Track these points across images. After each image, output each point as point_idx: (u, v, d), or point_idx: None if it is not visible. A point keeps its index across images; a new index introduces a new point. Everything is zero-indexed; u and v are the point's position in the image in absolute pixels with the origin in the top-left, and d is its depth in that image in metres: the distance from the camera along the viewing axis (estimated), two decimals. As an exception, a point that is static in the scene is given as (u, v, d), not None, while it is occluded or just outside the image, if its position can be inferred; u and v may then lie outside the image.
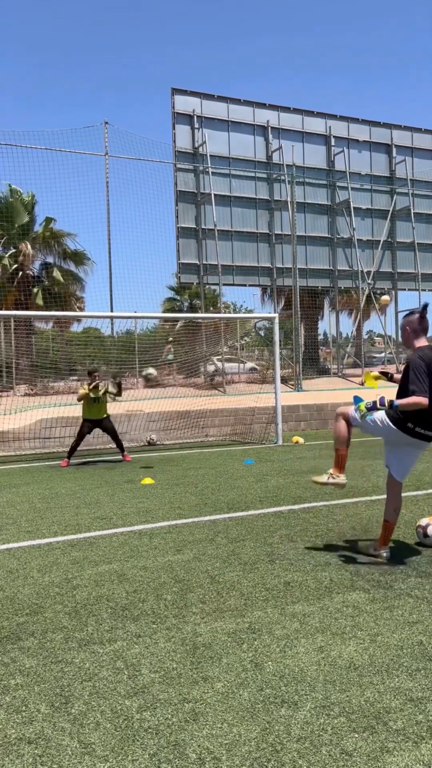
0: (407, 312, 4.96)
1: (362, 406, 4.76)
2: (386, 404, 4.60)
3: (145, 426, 15.79)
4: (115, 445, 11.97)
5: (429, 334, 4.85)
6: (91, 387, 11.46)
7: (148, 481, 9.21)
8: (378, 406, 4.65)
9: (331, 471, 5.01)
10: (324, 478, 5.00)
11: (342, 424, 5.00)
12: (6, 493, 8.72)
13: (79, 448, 11.96)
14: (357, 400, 4.95)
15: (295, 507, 6.97)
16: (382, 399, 4.64)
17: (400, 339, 5.67)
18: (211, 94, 22.39)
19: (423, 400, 4.42)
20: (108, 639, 3.56)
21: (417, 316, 4.72)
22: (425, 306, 4.79)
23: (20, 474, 10.76)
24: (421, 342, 4.72)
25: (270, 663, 3.18)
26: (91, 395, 11.49)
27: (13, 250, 24.90)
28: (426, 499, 7.19)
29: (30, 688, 3.02)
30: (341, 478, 4.98)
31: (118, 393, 11.78)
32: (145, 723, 2.67)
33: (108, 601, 4.16)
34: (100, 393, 11.56)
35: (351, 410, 4.90)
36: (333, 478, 4.96)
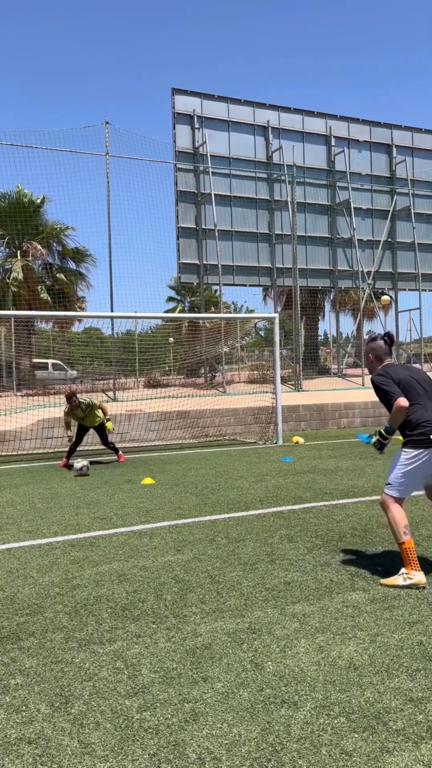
0: (368, 339, 4.87)
1: (373, 442, 4.64)
2: (385, 434, 4.50)
3: (146, 426, 15.80)
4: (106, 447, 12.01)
5: (391, 360, 4.76)
6: (68, 411, 11.53)
7: (148, 481, 9.21)
8: (383, 440, 4.55)
9: (403, 571, 4.30)
10: (398, 581, 4.26)
11: (395, 511, 4.38)
12: (6, 493, 8.72)
13: (80, 449, 11.97)
14: (361, 437, 4.87)
15: (295, 507, 6.97)
16: (380, 433, 4.56)
17: (364, 365, 5.27)
18: (211, 94, 22.39)
19: (402, 402, 4.31)
20: (108, 639, 3.56)
21: (380, 342, 4.67)
22: (387, 333, 4.77)
23: (20, 474, 10.76)
24: (384, 364, 4.66)
25: (270, 663, 3.18)
26: (78, 416, 11.54)
27: (19, 251, 24.95)
28: (425, 499, 7.18)
29: (30, 688, 3.02)
30: (419, 576, 4.23)
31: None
32: (145, 723, 2.67)
33: (108, 601, 4.16)
34: (85, 413, 11.55)
35: (386, 489, 4.46)
36: (407, 578, 4.24)
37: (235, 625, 3.67)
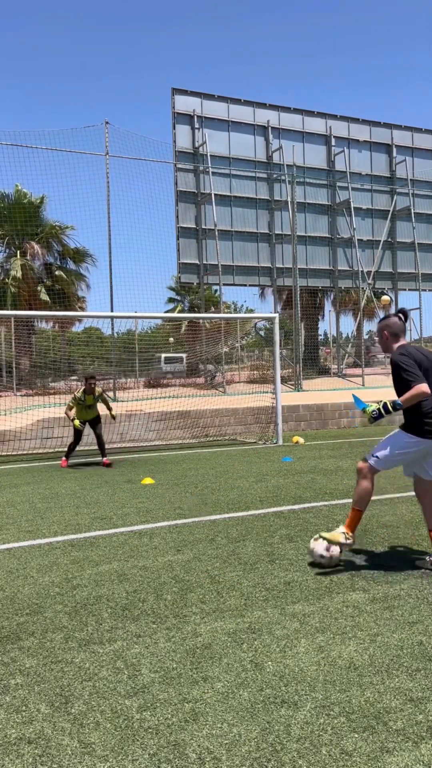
0: (383, 316, 4.86)
1: (368, 413, 4.60)
2: (390, 408, 4.45)
3: (146, 426, 15.80)
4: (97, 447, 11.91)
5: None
6: (80, 395, 11.33)
7: (148, 481, 9.21)
8: (384, 413, 4.50)
9: (343, 530, 4.63)
10: (341, 538, 4.57)
11: (369, 483, 4.59)
12: (6, 492, 8.72)
13: (79, 449, 11.95)
14: (357, 401, 4.85)
15: (295, 507, 6.97)
16: (385, 405, 4.49)
17: (378, 344, 5.19)
18: (211, 94, 22.39)
19: (424, 387, 4.28)
20: (108, 639, 3.56)
21: (395, 319, 4.64)
22: (402, 309, 4.76)
23: (20, 474, 10.76)
24: (401, 343, 4.65)
25: (270, 663, 3.18)
26: (87, 402, 11.40)
27: (19, 251, 24.96)
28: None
29: (30, 688, 3.02)
30: (353, 542, 4.66)
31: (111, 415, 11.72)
32: (145, 723, 2.67)
33: (108, 601, 4.16)
34: (95, 400, 11.41)
35: (372, 460, 4.54)
36: (348, 537, 4.59)
37: (235, 625, 3.67)
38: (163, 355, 26.08)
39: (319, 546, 4.66)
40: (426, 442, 4.42)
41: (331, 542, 4.52)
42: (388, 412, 4.50)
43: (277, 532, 5.87)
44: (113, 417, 11.72)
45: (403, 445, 4.44)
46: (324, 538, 4.56)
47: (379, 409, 4.54)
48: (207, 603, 4.06)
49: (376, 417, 4.56)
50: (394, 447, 4.47)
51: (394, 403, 4.44)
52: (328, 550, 4.64)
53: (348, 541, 4.56)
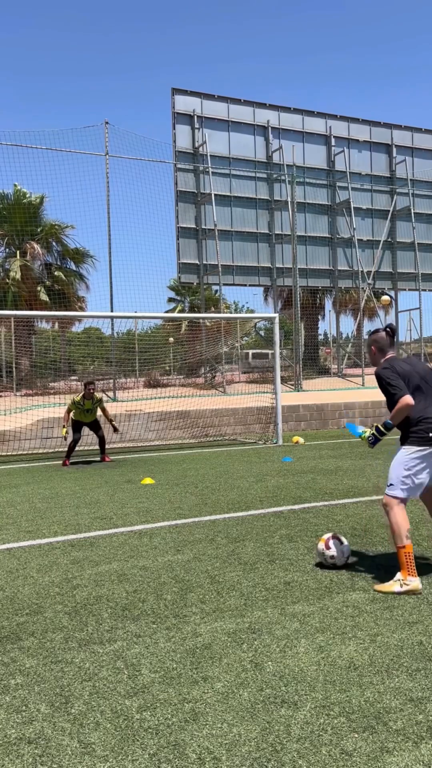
0: (371, 331, 4.85)
1: (365, 439, 4.61)
2: (383, 429, 4.45)
3: (145, 426, 15.80)
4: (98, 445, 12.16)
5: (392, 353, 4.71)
6: (79, 399, 11.57)
7: (148, 481, 9.21)
8: (379, 436, 4.50)
9: (399, 576, 4.22)
10: (395, 587, 4.17)
11: (398, 514, 4.28)
12: (6, 493, 8.72)
13: (79, 448, 11.98)
14: (352, 429, 4.85)
15: (295, 507, 6.97)
16: (377, 428, 4.50)
17: (367, 357, 5.16)
18: (211, 94, 22.39)
19: (408, 399, 4.26)
20: (108, 639, 3.56)
21: (382, 334, 4.62)
22: (389, 325, 4.75)
23: (20, 474, 10.76)
24: (388, 356, 4.61)
25: (270, 663, 3.18)
26: (86, 407, 11.58)
27: (18, 251, 24.95)
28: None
29: (30, 688, 3.02)
30: (415, 582, 4.17)
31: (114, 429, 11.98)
32: (145, 723, 2.67)
33: (108, 601, 4.16)
34: (93, 405, 11.63)
35: (391, 492, 4.33)
36: (404, 585, 4.16)
37: (235, 625, 3.67)
38: (251, 351, 27.11)
39: (344, 548, 4.66)
40: (425, 449, 4.34)
41: (384, 593, 4.18)
42: (382, 434, 4.50)
43: (277, 532, 5.87)
44: (116, 430, 12.00)
45: (407, 460, 4.32)
46: (377, 591, 4.23)
47: (373, 433, 4.55)
48: (207, 603, 4.06)
49: (373, 442, 4.57)
50: (401, 466, 4.34)
51: (385, 424, 4.45)
52: (348, 557, 4.68)
53: (405, 588, 4.14)
